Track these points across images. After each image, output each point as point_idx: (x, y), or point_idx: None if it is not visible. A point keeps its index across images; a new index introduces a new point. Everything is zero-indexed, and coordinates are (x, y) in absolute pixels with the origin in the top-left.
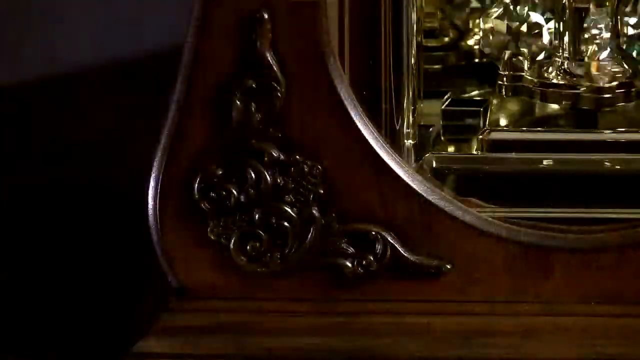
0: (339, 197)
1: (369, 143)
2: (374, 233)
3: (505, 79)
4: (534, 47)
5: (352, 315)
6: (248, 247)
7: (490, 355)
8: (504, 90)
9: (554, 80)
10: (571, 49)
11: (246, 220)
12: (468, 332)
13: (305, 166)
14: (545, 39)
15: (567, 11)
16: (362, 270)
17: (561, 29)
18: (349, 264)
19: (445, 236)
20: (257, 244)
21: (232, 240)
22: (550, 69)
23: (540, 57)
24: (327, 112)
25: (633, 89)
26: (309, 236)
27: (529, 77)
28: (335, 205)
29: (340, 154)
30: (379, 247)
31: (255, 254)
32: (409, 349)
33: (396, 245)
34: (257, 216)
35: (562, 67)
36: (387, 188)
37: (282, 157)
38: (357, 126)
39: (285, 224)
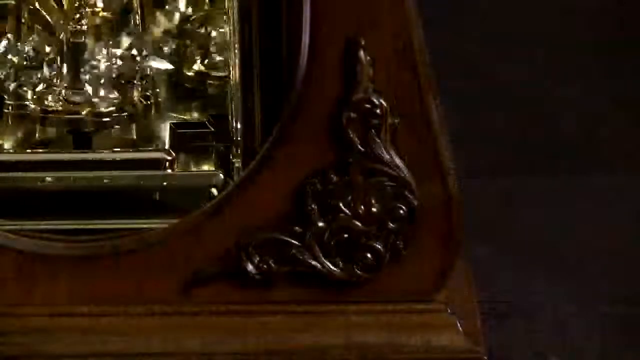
0: None
1: None
2: None
3: (10, 107)
4: (35, 79)
5: None
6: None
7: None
8: (10, 117)
9: (54, 108)
10: (69, 79)
11: None
12: None
13: None
14: (46, 71)
15: (65, 46)
16: None
17: (59, 62)
18: None
19: None
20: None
21: None
22: (50, 97)
23: (40, 87)
24: None
25: (125, 113)
26: None
27: (33, 105)
28: None
29: None
30: None
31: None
32: None
33: None
34: None
35: (62, 96)
36: None
37: None
38: None
39: None
